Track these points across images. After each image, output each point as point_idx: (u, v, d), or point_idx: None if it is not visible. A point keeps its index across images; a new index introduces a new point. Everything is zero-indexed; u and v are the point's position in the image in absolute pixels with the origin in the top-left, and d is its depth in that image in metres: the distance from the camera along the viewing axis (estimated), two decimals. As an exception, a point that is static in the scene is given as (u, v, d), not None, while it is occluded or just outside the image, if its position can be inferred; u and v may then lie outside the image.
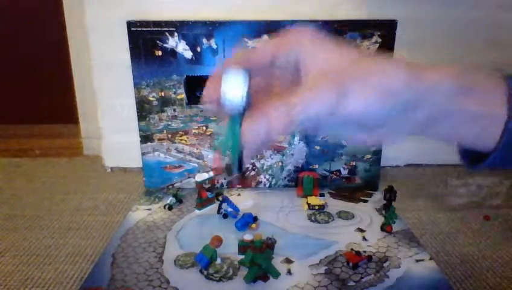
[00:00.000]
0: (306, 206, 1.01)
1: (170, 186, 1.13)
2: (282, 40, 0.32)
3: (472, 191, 1.10)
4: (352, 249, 0.80)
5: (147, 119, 1.08)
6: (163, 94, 1.06)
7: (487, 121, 0.30)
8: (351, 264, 0.77)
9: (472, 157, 0.35)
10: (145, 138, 1.10)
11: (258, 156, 1.11)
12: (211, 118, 1.08)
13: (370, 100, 0.28)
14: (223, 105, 0.29)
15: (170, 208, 1.01)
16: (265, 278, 0.73)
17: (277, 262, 0.78)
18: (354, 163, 1.11)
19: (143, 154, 1.11)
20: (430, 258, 0.80)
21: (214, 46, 1.02)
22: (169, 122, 1.09)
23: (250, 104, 0.29)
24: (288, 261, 0.79)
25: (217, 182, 1.12)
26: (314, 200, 1.02)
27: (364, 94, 0.28)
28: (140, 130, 1.09)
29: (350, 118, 0.29)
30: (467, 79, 0.30)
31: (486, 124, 0.30)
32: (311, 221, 0.96)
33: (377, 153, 1.11)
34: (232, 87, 0.27)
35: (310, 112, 0.28)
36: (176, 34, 1.00)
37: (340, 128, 0.32)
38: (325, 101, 0.28)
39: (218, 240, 0.76)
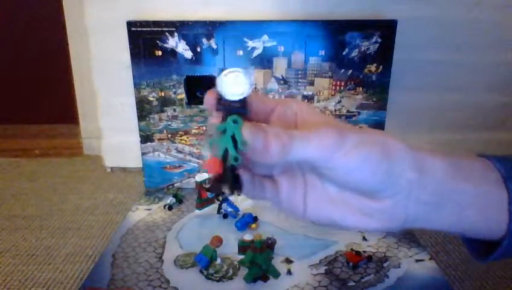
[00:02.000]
0: (306, 206, 1.01)
1: (170, 186, 1.13)
2: (283, 99, 0.33)
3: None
4: (352, 249, 0.80)
5: (147, 119, 1.08)
6: (163, 94, 1.06)
7: (488, 201, 0.29)
8: (351, 264, 0.77)
9: (480, 249, 0.33)
10: (145, 138, 1.10)
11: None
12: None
13: (368, 157, 0.27)
14: (222, 105, 0.28)
15: (170, 208, 1.01)
16: (265, 278, 0.73)
17: (277, 262, 0.78)
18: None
19: (143, 154, 1.11)
20: (430, 258, 0.80)
21: (214, 46, 1.02)
22: (169, 122, 1.09)
23: (250, 109, 0.28)
24: (288, 261, 0.79)
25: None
26: (314, 200, 1.01)
27: (363, 149, 0.27)
28: (140, 130, 1.09)
29: (346, 171, 0.27)
30: (459, 160, 0.30)
31: (488, 205, 0.29)
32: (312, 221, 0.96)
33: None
34: (233, 85, 0.26)
35: (308, 149, 0.26)
36: (175, 34, 1.00)
37: (334, 187, 0.29)
38: (323, 143, 0.26)
39: (218, 240, 0.76)
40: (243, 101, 0.27)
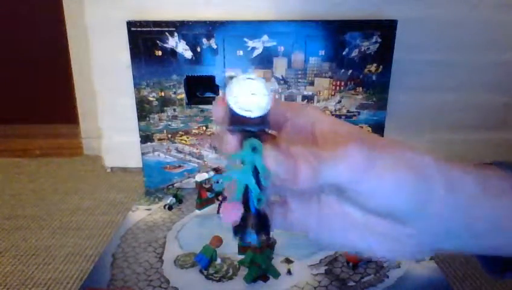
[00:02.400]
0: (306, 206, 1.01)
1: (170, 186, 1.13)
2: (296, 104, 0.29)
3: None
4: (352, 249, 0.80)
5: (147, 119, 1.08)
6: (163, 94, 1.06)
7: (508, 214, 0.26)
8: (351, 264, 0.77)
9: (496, 266, 0.30)
10: (145, 138, 1.10)
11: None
12: (211, 118, 1.08)
13: (403, 180, 0.24)
14: (236, 123, 0.21)
15: (170, 208, 1.01)
16: (265, 278, 0.73)
17: (277, 262, 0.78)
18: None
19: (143, 154, 1.11)
20: (430, 258, 0.80)
21: (214, 46, 1.02)
22: (169, 122, 1.09)
23: (270, 124, 0.22)
24: (288, 261, 0.79)
25: (217, 182, 1.12)
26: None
27: (397, 170, 0.24)
28: (140, 130, 1.09)
29: (378, 196, 0.24)
30: (484, 173, 0.27)
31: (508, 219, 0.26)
32: (311, 221, 0.96)
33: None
34: (249, 96, 0.19)
35: (337, 172, 0.23)
36: (175, 34, 1.00)
37: (357, 210, 0.26)
38: (352, 164, 0.23)
39: (218, 240, 0.76)
40: (263, 118, 0.20)
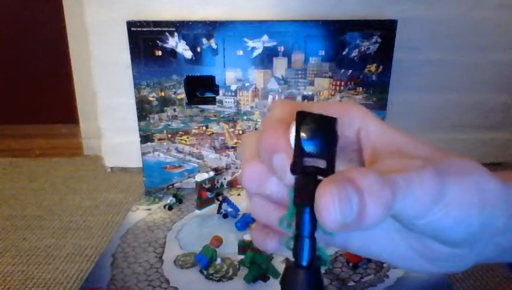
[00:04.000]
0: (306, 206, 1.01)
1: (170, 186, 1.13)
2: (344, 105, 0.23)
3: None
4: (352, 249, 0.80)
5: (147, 119, 1.08)
6: (163, 94, 1.06)
7: None
8: (351, 264, 0.77)
9: None
10: (145, 138, 1.10)
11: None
12: (211, 118, 1.08)
13: (468, 212, 0.21)
14: (302, 168, 0.18)
15: (170, 208, 1.01)
16: (265, 278, 0.73)
17: (277, 262, 0.78)
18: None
19: (143, 154, 1.11)
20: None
21: (214, 46, 1.02)
22: (169, 122, 1.09)
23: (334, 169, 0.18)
24: (288, 261, 0.79)
25: (217, 182, 1.12)
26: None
27: (464, 202, 0.21)
28: (140, 130, 1.09)
29: (438, 228, 0.20)
30: None
31: None
32: (311, 221, 0.96)
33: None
34: (316, 136, 0.17)
35: (407, 203, 0.19)
36: (175, 34, 1.00)
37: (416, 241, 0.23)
38: (426, 194, 0.19)
39: (218, 240, 0.76)
40: (331, 160, 0.17)
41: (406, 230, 0.22)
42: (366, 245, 0.23)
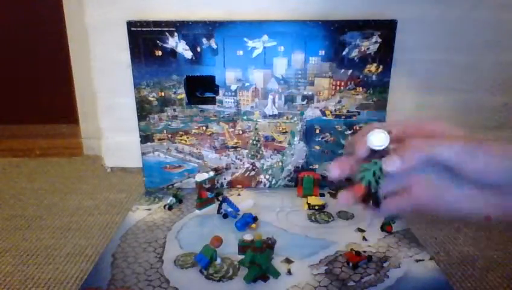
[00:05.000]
0: (306, 206, 1.01)
1: (170, 186, 1.13)
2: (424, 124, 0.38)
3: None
4: (352, 249, 0.80)
5: (147, 119, 1.08)
6: (163, 94, 1.06)
7: None
8: (351, 264, 0.77)
9: None
10: (145, 138, 1.10)
11: (258, 156, 1.12)
12: (210, 118, 1.08)
13: (505, 153, 0.32)
14: (368, 151, 0.37)
15: (170, 208, 1.01)
16: (265, 278, 0.73)
17: (277, 262, 0.78)
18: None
19: (143, 154, 1.11)
20: (430, 258, 0.80)
21: (214, 46, 1.02)
22: (169, 122, 1.09)
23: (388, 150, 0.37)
24: (288, 261, 0.79)
25: (217, 182, 1.12)
26: (314, 200, 1.02)
27: (499, 148, 0.33)
28: (140, 130, 1.09)
29: (482, 172, 0.32)
30: None
31: None
32: (311, 221, 0.96)
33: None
34: (378, 140, 0.36)
35: (452, 151, 0.33)
36: (175, 34, 1.00)
37: (459, 185, 0.35)
38: (465, 145, 0.33)
39: (218, 240, 0.76)
40: (383, 150, 0.36)
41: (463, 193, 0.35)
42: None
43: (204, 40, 1.01)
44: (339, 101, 1.07)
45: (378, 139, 0.37)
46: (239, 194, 1.10)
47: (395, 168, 0.34)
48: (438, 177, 0.36)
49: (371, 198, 0.38)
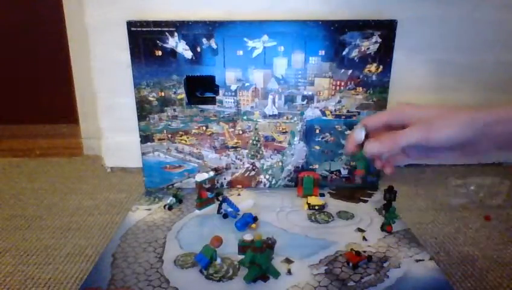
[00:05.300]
0: (306, 206, 1.01)
1: (170, 186, 1.13)
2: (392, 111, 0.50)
3: (472, 191, 1.10)
4: (352, 249, 0.80)
5: (147, 119, 1.08)
6: (163, 94, 1.06)
7: None
8: (351, 264, 0.77)
9: None
10: (145, 138, 1.10)
11: (258, 157, 1.11)
12: (210, 118, 1.08)
13: (451, 130, 0.44)
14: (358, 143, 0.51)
15: (170, 208, 1.01)
16: (265, 278, 0.73)
17: (277, 262, 0.78)
18: (354, 163, 1.11)
19: (143, 154, 1.11)
20: (430, 258, 0.80)
21: (214, 46, 1.02)
22: (169, 122, 1.09)
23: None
24: (288, 261, 0.79)
25: (217, 182, 1.12)
26: (314, 200, 1.02)
27: (447, 127, 0.44)
28: (140, 130, 1.09)
29: (439, 142, 0.44)
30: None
31: None
32: (311, 221, 0.96)
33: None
34: (360, 135, 0.50)
35: (410, 139, 0.45)
36: (175, 34, 1.00)
37: (431, 152, 0.49)
38: (416, 135, 0.45)
39: (218, 240, 0.76)
40: (365, 140, 0.50)
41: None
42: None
43: (204, 40, 1.01)
44: (339, 101, 1.07)
45: (357, 135, 0.50)
46: (239, 194, 1.10)
47: (375, 151, 0.48)
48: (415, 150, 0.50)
49: (368, 173, 0.59)
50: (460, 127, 0.44)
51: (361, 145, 0.49)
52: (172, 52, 1.02)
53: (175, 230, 0.91)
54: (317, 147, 1.11)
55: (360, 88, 1.06)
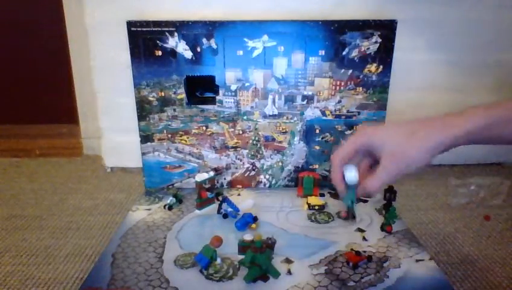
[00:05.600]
0: (306, 206, 1.01)
1: (170, 186, 1.13)
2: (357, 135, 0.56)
3: (472, 191, 1.10)
4: (352, 249, 0.80)
5: (147, 119, 1.08)
6: (163, 94, 1.06)
7: None
8: (351, 264, 0.77)
9: None
10: (145, 138, 1.10)
11: (258, 155, 1.12)
12: (210, 118, 1.08)
13: (422, 159, 0.52)
14: (346, 183, 0.57)
15: (170, 208, 1.01)
16: (265, 278, 0.73)
17: (277, 262, 0.78)
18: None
19: (143, 154, 1.11)
20: (430, 258, 0.80)
21: (214, 46, 1.02)
22: (169, 122, 1.09)
23: (358, 182, 0.57)
24: (288, 261, 0.79)
25: (217, 182, 1.12)
26: (314, 200, 1.02)
27: (417, 159, 0.52)
28: (140, 130, 1.09)
29: (412, 172, 0.52)
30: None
31: None
32: (311, 221, 0.96)
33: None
34: (352, 174, 0.55)
35: (391, 178, 0.53)
36: (175, 34, 1.00)
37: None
38: (394, 177, 0.53)
39: (218, 240, 0.76)
40: (356, 183, 0.56)
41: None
42: None
43: (204, 40, 1.01)
44: (339, 101, 1.07)
45: (352, 176, 0.55)
46: (239, 194, 1.10)
47: (376, 193, 0.56)
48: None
49: (351, 213, 0.69)
50: (429, 153, 0.50)
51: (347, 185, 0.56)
52: (172, 52, 1.02)
53: (175, 230, 0.91)
54: (317, 147, 1.11)
55: (360, 88, 1.06)
